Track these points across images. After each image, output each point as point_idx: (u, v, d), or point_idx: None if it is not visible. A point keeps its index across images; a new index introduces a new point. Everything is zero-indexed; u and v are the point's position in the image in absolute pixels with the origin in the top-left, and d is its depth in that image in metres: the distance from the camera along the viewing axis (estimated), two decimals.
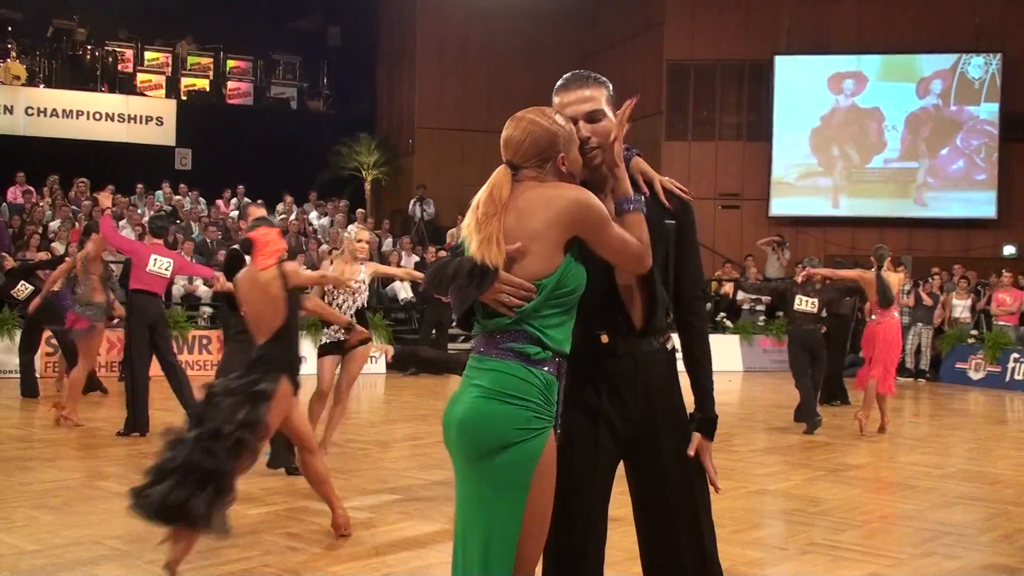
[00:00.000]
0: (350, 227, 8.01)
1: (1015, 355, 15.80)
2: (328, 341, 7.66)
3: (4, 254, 13.44)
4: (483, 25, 24.72)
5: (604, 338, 2.89)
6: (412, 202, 22.07)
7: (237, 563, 5.02)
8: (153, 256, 9.20)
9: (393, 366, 7.31)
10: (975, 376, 16.29)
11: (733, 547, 5.55)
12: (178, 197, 20.09)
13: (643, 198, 2.92)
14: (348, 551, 5.29)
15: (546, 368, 2.69)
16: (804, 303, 10.52)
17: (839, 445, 9.58)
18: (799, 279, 10.71)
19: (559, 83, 3.24)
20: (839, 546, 5.68)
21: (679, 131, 22.95)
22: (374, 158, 24.25)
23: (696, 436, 3.01)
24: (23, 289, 12.08)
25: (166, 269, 9.19)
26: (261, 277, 5.22)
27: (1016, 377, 15.64)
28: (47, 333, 12.04)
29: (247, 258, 5.51)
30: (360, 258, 7.72)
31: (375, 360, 15.91)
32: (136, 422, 8.99)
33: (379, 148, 24.49)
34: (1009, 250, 20.59)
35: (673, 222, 3.01)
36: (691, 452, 2.98)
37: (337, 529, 5.52)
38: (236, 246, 7.12)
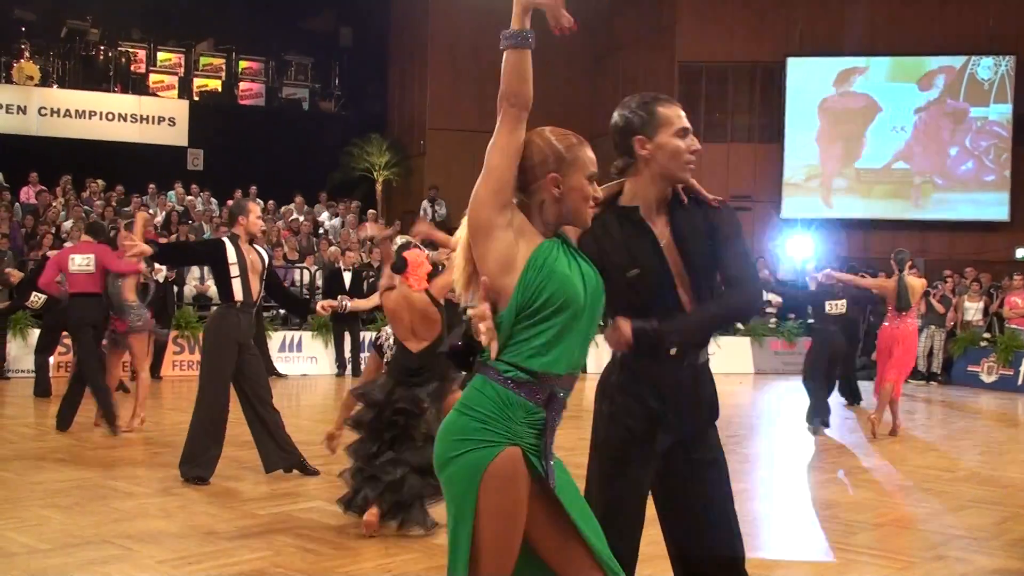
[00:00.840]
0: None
1: None
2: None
3: (11, 270, 13.49)
4: (494, 26, 24.45)
5: (673, 351, 3.00)
6: (424, 203, 22.09)
7: (248, 563, 5.02)
8: (71, 256, 9.33)
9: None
10: (987, 379, 16.21)
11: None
12: (190, 198, 20.14)
13: (530, 35, 3.00)
14: (358, 551, 5.29)
15: (510, 386, 2.62)
16: (834, 306, 10.45)
17: (851, 448, 9.55)
18: (821, 278, 10.66)
19: (663, 96, 3.24)
20: (851, 549, 5.66)
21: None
22: (385, 159, 24.26)
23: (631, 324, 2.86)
24: (36, 299, 12.17)
25: (88, 265, 9.22)
26: (416, 298, 5.73)
27: None
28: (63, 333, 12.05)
29: (396, 277, 5.86)
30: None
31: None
32: (106, 415, 9.15)
33: (390, 149, 24.51)
34: (1022, 253, 20.50)
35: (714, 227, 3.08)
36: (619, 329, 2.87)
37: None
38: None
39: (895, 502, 7.17)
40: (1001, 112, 21.29)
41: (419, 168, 24.72)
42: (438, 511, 5.30)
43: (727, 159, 22.73)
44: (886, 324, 10.36)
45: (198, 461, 6.95)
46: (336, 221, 20.73)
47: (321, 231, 19.90)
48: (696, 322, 3.05)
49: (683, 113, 3.15)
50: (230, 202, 20.48)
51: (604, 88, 25.60)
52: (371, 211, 21.50)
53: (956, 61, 21.41)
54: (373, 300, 6.81)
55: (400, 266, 5.80)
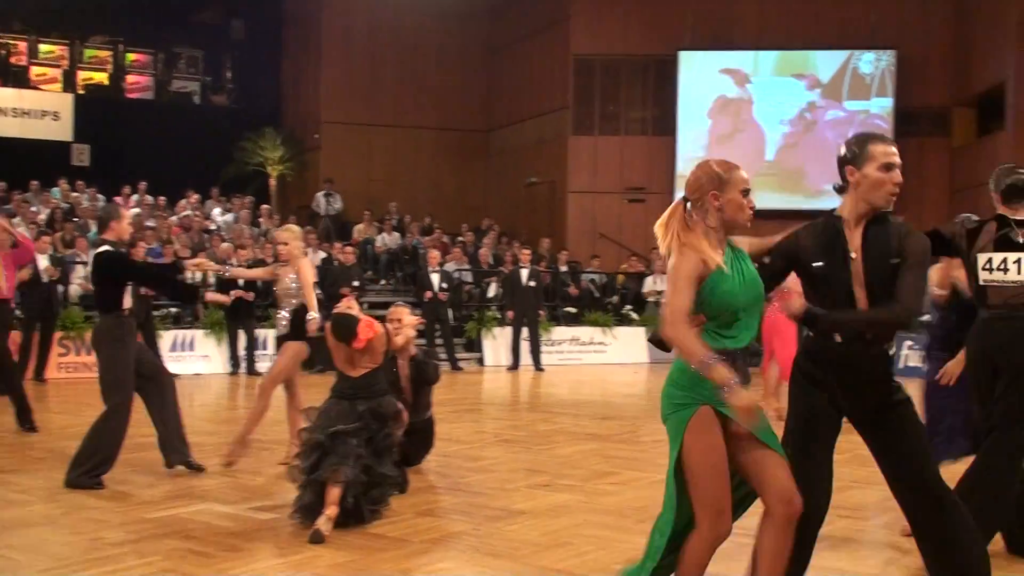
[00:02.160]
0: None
1: (908, 342, 16.28)
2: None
3: None
4: (389, 19, 24.58)
5: (837, 338, 3.80)
6: (319, 196, 21.83)
7: (137, 569, 4.91)
8: None
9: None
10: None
11: (637, 536, 5.61)
12: (75, 194, 19.55)
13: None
14: (252, 552, 5.22)
15: None
16: None
17: None
18: None
19: (879, 135, 4.00)
20: (742, 532, 5.78)
21: (585, 126, 23.13)
22: (279, 153, 23.93)
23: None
24: None
25: None
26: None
27: (909, 364, 16.13)
28: None
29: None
30: (283, 260, 7.72)
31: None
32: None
33: (284, 143, 24.18)
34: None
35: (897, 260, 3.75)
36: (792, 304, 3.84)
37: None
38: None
39: None
40: (882, 106, 22.01)
41: (314, 162, 24.44)
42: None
43: (621, 152, 23.01)
44: (767, 315, 10.68)
45: (89, 467, 6.78)
46: (229, 217, 20.37)
47: (213, 227, 19.52)
48: (850, 319, 3.80)
49: (893, 150, 3.83)
50: (117, 199, 20.08)
51: (499, 80, 25.66)
52: (264, 206, 21.18)
53: (840, 55, 22.06)
54: (257, 272, 6.87)
55: (348, 338, 5.94)
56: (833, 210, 3.96)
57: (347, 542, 5.40)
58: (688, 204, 3.77)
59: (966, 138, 22.20)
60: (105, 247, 7.00)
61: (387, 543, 5.42)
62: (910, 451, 3.85)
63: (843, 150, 3.92)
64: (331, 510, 5.56)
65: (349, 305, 6.20)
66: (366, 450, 5.83)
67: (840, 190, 3.95)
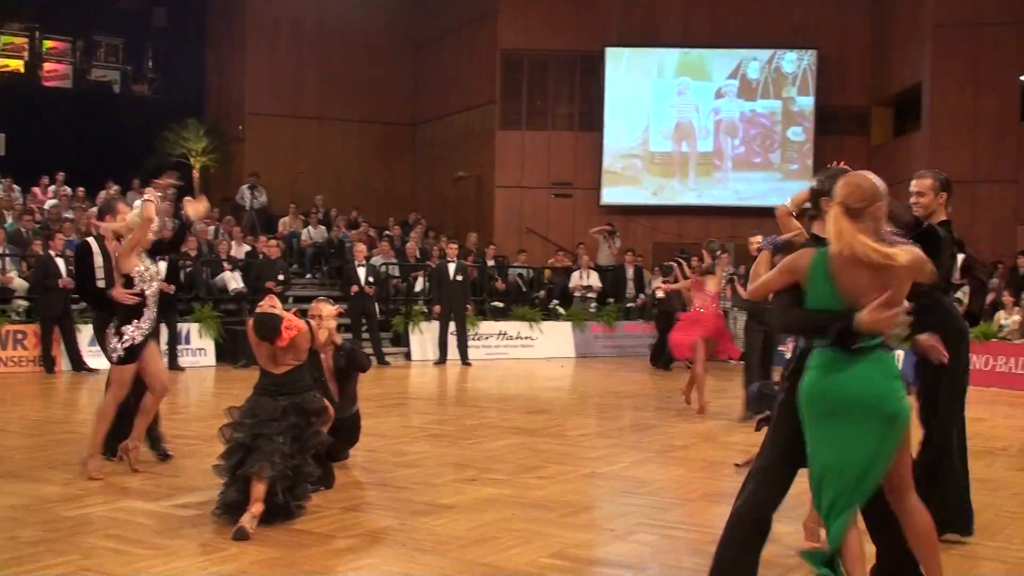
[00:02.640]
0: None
1: None
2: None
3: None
4: (316, 10, 24.36)
5: None
6: (243, 189, 21.53)
7: (54, 568, 4.80)
8: None
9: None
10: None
11: (563, 530, 5.66)
12: None
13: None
14: (174, 550, 5.14)
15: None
16: None
17: (665, 427, 9.89)
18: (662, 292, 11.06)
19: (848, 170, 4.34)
20: (666, 525, 5.88)
21: (513, 120, 23.18)
22: (202, 144, 23.55)
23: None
24: None
25: None
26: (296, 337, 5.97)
27: None
28: None
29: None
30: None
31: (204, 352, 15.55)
32: None
33: (208, 134, 23.80)
34: None
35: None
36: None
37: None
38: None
39: (707, 478, 7.47)
40: (804, 105, 22.42)
41: (238, 154, 24.11)
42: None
43: (548, 147, 23.10)
44: (690, 311, 11.02)
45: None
46: None
47: None
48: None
49: None
50: (35, 189, 19.58)
51: (426, 74, 25.58)
52: (187, 198, 20.79)
53: (763, 54, 22.42)
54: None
55: (272, 337, 5.88)
56: (816, 236, 4.32)
57: (271, 538, 5.35)
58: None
59: (884, 137, 22.75)
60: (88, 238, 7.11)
61: (312, 539, 5.38)
62: None
63: (817, 184, 4.37)
64: (256, 507, 5.51)
65: (272, 304, 6.12)
66: (291, 447, 5.80)
67: (814, 216, 4.38)
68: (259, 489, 5.55)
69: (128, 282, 6.89)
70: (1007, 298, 15.24)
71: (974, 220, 19.01)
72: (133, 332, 6.88)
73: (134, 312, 6.91)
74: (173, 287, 14.47)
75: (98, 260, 7.17)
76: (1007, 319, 15.01)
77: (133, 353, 6.89)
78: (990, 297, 15.30)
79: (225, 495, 5.73)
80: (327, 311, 7.05)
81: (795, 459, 4.12)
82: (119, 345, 6.86)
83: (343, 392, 7.20)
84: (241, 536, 5.31)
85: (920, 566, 4.11)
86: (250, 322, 6.06)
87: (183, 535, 5.43)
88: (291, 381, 6.00)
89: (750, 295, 4.50)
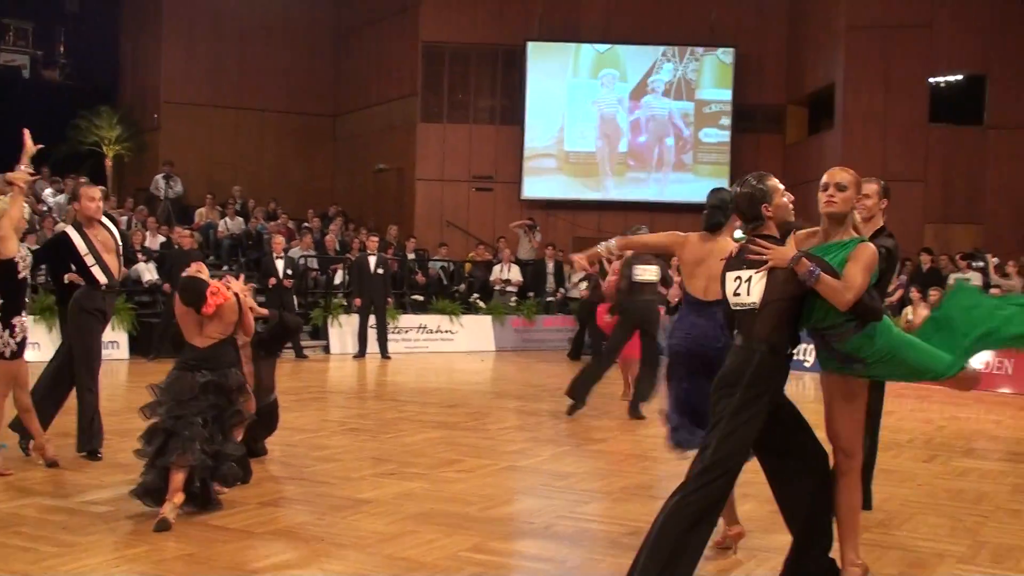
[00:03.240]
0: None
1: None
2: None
3: None
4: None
5: None
6: (158, 179, 21.10)
7: None
8: None
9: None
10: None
11: (483, 523, 5.68)
12: None
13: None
14: (85, 547, 5.03)
15: None
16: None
17: (583, 420, 9.97)
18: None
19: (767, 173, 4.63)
20: (584, 518, 5.93)
21: (434, 113, 23.12)
22: (116, 133, 23.04)
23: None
24: None
25: None
26: (224, 306, 5.96)
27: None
28: None
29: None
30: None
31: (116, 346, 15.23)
32: None
33: (121, 122, 23.29)
34: (738, 234, 21.97)
35: None
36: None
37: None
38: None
39: (625, 471, 7.56)
40: (722, 101, 22.76)
41: (153, 143, 23.64)
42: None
43: (470, 140, 23.10)
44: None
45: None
46: (61, 198, 19.46)
47: (45, 209, 18.64)
48: None
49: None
50: None
51: (347, 65, 25.38)
52: (101, 187, 20.31)
53: (683, 52, 22.70)
54: None
55: (197, 303, 5.88)
56: (767, 235, 4.41)
57: (186, 534, 5.27)
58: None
59: (799, 135, 23.22)
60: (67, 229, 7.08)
61: (228, 535, 5.32)
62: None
63: (749, 192, 4.41)
64: (177, 497, 5.47)
65: (199, 269, 6.04)
66: (212, 428, 5.75)
67: (756, 227, 4.43)
68: (178, 478, 5.50)
69: (11, 267, 6.57)
70: (914, 294, 15.67)
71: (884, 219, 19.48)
72: (24, 323, 6.66)
73: (20, 302, 6.66)
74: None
75: (81, 247, 7.11)
76: (913, 315, 15.43)
77: (24, 346, 6.68)
78: (898, 294, 15.73)
79: (145, 479, 5.66)
80: (237, 285, 6.91)
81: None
82: (11, 339, 6.58)
83: (260, 380, 7.08)
84: (163, 527, 5.27)
85: (841, 542, 4.43)
86: (177, 290, 6.06)
87: (94, 532, 5.32)
88: (214, 356, 5.92)
89: (852, 302, 4.20)
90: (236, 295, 6.11)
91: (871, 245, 4.29)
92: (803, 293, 4.21)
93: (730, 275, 4.39)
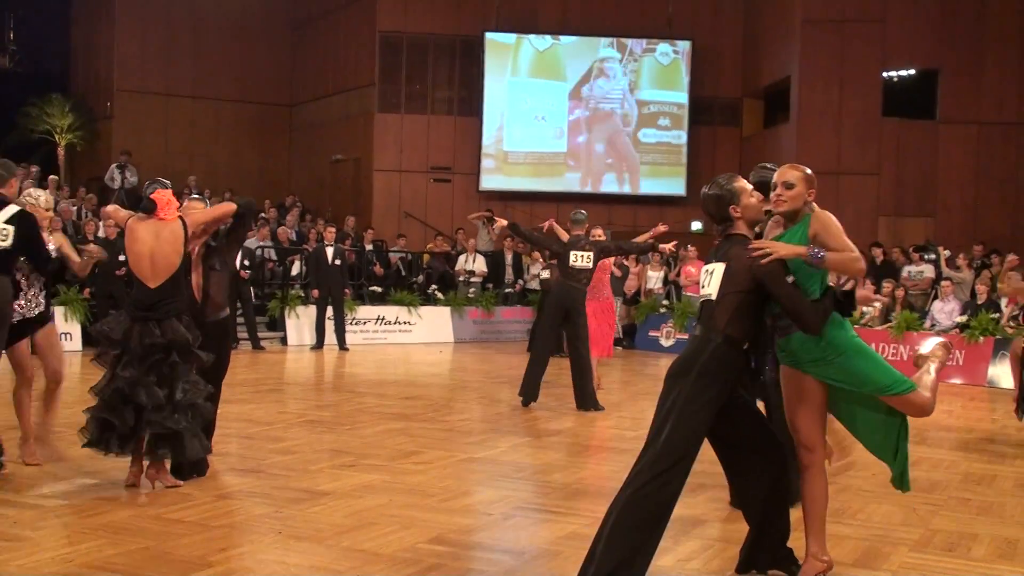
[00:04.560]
0: (37, 193, 7.20)
1: None
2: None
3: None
4: None
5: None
6: (113, 168, 20.80)
7: None
8: None
9: None
10: (666, 343, 17.45)
11: (441, 515, 5.68)
12: None
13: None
14: (36, 541, 4.95)
15: None
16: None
17: (542, 412, 9.99)
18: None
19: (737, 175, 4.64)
20: (542, 508, 5.95)
21: (392, 104, 23.01)
22: (68, 121, 22.71)
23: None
24: None
25: None
26: (166, 230, 6.11)
27: None
28: None
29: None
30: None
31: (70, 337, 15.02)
32: None
33: (74, 111, 22.96)
34: (696, 226, 22.17)
35: None
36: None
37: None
38: None
39: (582, 462, 7.59)
40: (678, 94, 22.87)
41: (106, 132, 23.33)
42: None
43: (427, 131, 23.03)
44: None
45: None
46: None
47: None
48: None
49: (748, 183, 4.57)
50: None
51: (304, 54, 25.20)
52: (52, 177, 20.05)
53: (639, 44, 22.78)
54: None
55: (149, 207, 6.11)
56: (736, 234, 4.43)
57: (142, 528, 5.22)
58: None
59: (755, 128, 23.40)
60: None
61: (184, 528, 5.27)
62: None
63: (717, 194, 4.42)
64: (150, 472, 6.02)
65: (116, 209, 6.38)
66: (166, 388, 5.94)
67: (726, 228, 4.44)
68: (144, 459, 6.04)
69: None
70: (868, 286, 15.85)
71: (838, 211, 19.58)
72: None
73: None
74: None
75: None
76: (868, 307, 15.62)
77: None
78: (849, 285, 15.89)
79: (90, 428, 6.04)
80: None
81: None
82: None
83: (208, 294, 6.67)
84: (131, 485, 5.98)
85: (807, 534, 4.50)
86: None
87: (45, 526, 5.25)
88: (164, 300, 6.03)
89: (864, 264, 4.48)
90: (181, 218, 6.23)
91: (822, 211, 4.39)
92: (758, 287, 4.24)
93: (705, 268, 4.46)
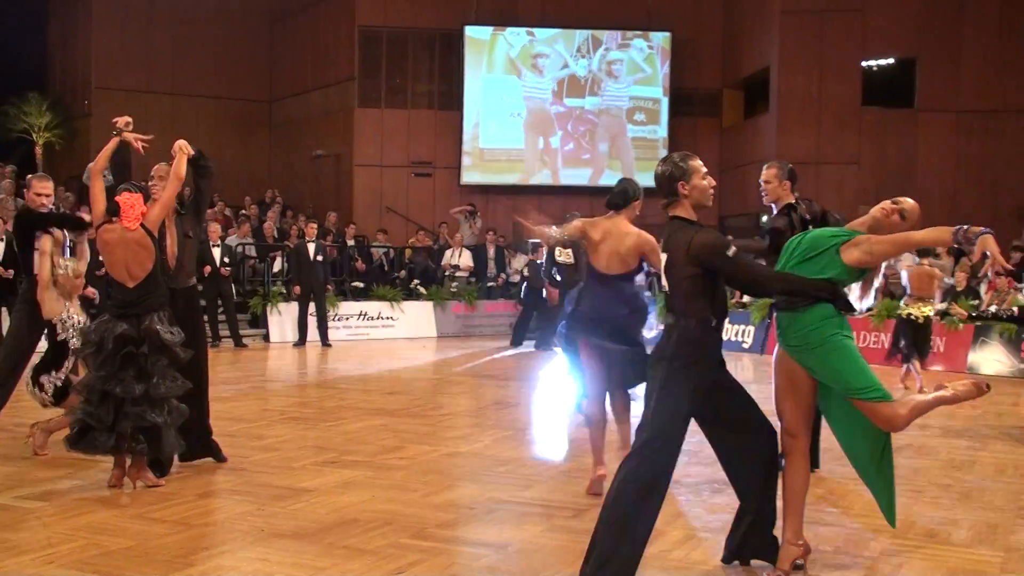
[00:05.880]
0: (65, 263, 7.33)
1: None
2: None
3: None
4: None
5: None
6: (89, 167, 20.65)
7: None
8: None
9: None
10: (647, 335, 17.45)
11: (424, 509, 5.67)
12: None
13: None
14: (15, 543, 4.91)
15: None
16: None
17: (525, 405, 9.99)
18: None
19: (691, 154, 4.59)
20: (525, 502, 5.95)
21: (372, 98, 22.94)
22: (46, 120, 22.55)
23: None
24: None
25: None
26: (131, 236, 6.12)
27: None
28: None
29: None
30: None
31: None
32: None
33: (52, 109, 22.81)
34: None
35: None
36: None
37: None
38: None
39: (564, 456, 7.58)
40: (653, 89, 22.85)
41: (84, 130, 23.17)
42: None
43: (408, 125, 22.97)
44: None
45: None
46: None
47: None
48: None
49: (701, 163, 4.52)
50: None
51: (283, 50, 25.08)
52: (30, 176, 19.89)
53: (619, 36, 22.76)
54: None
55: (113, 209, 6.14)
56: (677, 217, 4.45)
57: (123, 528, 5.19)
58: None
59: (735, 119, 23.44)
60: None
61: (166, 527, 5.24)
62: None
63: (668, 170, 4.43)
64: (131, 472, 6.01)
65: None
66: (142, 384, 5.96)
67: (670, 204, 4.45)
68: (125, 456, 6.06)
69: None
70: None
71: (817, 200, 19.71)
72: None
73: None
74: (11, 272, 13.83)
75: None
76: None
77: None
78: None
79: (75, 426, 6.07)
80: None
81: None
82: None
83: (181, 264, 6.75)
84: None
85: (785, 519, 4.52)
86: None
87: (26, 528, 5.22)
88: (143, 297, 6.11)
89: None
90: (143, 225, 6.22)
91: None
92: (702, 265, 4.28)
93: (664, 256, 4.50)
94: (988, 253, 4.19)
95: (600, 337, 5.87)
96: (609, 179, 22.74)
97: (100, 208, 6.27)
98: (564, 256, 11.50)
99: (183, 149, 6.54)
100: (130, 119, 6.81)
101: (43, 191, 7.31)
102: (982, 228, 4.19)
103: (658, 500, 4.29)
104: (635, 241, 5.93)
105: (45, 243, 7.04)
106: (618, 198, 6.13)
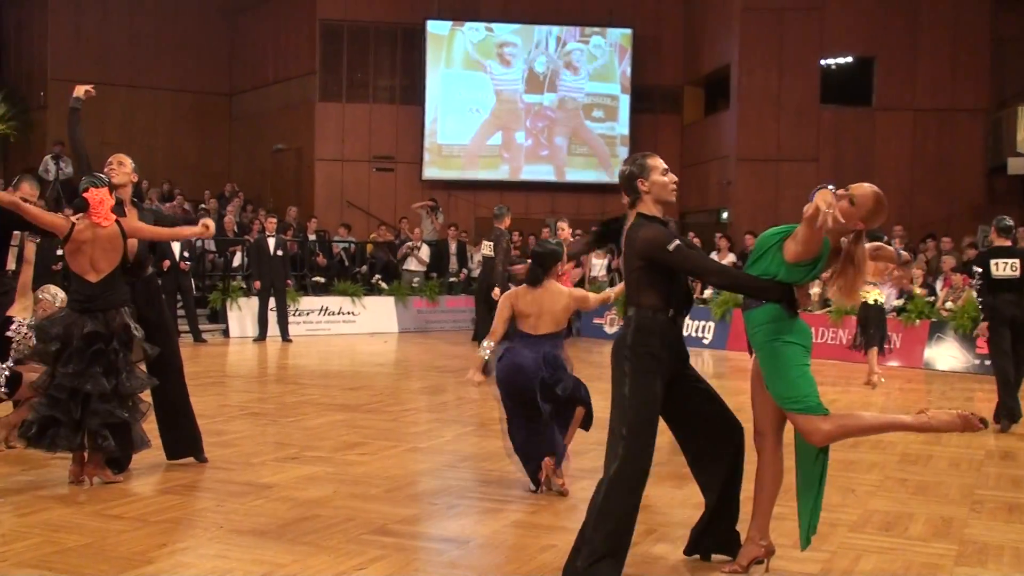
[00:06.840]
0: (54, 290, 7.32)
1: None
2: None
3: None
4: None
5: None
6: (47, 160, 20.38)
7: None
8: None
9: None
10: (610, 331, 17.52)
11: (386, 506, 5.67)
12: None
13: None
14: None
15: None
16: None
17: (486, 401, 9.99)
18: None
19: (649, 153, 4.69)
20: (487, 497, 5.96)
21: (333, 92, 22.82)
22: (1, 111, 22.19)
23: None
24: None
25: None
26: (103, 233, 6.04)
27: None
28: None
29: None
30: None
31: None
32: None
33: (6, 100, 22.47)
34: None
35: None
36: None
37: None
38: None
39: None
40: (612, 86, 22.92)
41: (40, 122, 22.85)
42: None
43: (369, 120, 22.88)
44: None
45: None
46: None
47: None
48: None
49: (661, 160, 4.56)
50: None
51: (243, 42, 24.87)
52: (20, 177, 19.59)
53: (580, 32, 22.81)
54: None
55: (82, 205, 6.06)
56: (640, 213, 4.46)
57: (80, 525, 5.14)
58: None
59: (696, 115, 23.56)
60: None
61: (125, 524, 5.20)
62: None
63: (628, 169, 4.51)
64: (89, 468, 5.94)
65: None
66: (110, 379, 5.91)
67: (634, 201, 4.49)
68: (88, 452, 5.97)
69: None
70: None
71: (777, 197, 20.01)
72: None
73: None
74: None
75: None
76: (810, 290, 15.86)
77: None
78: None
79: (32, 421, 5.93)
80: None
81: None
82: None
83: (140, 259, 6.66)
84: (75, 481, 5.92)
85: (753, 516, 4.58)
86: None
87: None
88: (106, 291, 6.03)
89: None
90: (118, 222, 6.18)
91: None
92: (649, 261, 4.32)
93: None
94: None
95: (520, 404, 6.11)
96: (572, 176, 22.83)
97: (57, 220, 6.24)
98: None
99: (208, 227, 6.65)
100: (91, 87, 6.80)
101: (31, 197, 7.12)
102: (826, 183, 4.27)
103: (643, 490, 4.34)
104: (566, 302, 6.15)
105: (30, 252, 6.97)
106: (538, 271, 6.14)
